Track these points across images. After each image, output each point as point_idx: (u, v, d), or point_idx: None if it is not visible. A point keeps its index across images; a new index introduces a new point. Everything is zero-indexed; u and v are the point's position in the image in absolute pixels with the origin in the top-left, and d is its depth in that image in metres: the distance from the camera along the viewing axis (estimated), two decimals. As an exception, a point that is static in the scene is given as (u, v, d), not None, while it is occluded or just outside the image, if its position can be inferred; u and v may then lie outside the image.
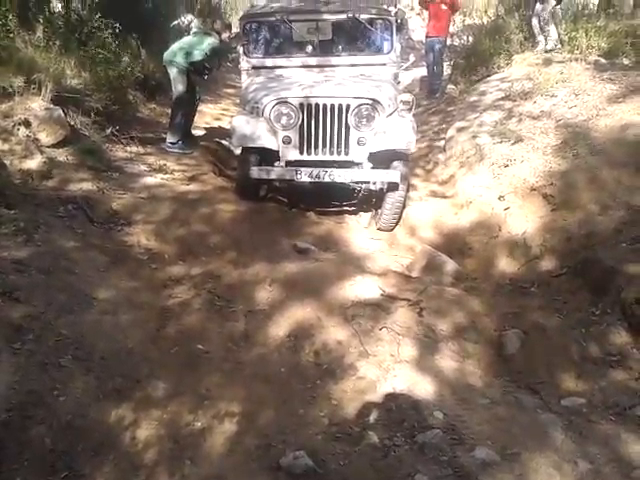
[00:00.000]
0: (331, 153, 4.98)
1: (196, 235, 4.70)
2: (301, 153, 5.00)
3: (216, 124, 8.43)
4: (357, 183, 5.12)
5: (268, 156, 5.09)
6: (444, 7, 9.15)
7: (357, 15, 5.58)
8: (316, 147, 4.97)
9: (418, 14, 15.26)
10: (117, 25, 6.95)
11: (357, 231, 5.42)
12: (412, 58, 6.11)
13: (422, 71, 10.19)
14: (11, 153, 4.85)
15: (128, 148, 6.18)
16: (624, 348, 3.32)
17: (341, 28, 5.76)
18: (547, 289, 4.10)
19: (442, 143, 6.70)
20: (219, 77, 11.13)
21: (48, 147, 5.20)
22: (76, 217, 4.44)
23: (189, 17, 7.55)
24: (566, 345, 3.40)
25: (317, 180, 4.93)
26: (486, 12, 11.19)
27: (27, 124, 5.11)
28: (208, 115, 8.89)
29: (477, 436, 2.62)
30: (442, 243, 5.05)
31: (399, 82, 6.01)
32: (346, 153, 4.97)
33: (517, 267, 4.50)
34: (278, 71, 5.73)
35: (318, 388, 3.03)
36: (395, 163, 5.02)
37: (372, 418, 2.79)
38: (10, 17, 5.70)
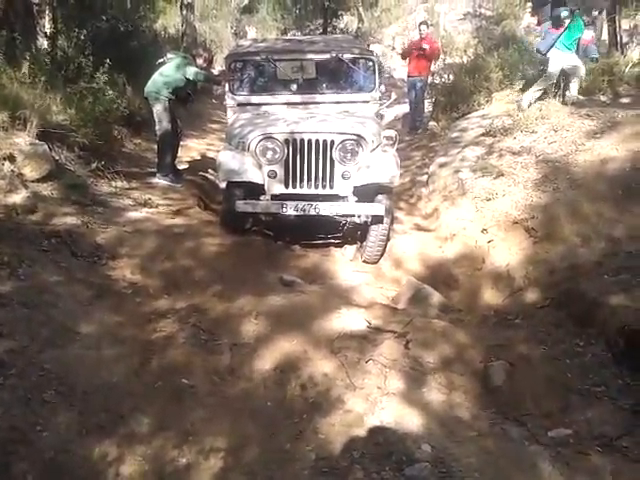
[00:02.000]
0: (316, 187, 5.03)
1: (181, 269, 4.68)
2: (286, 187, 5.05)
3: (201, 158, 8.48)
4: (342, 216, 5.19)
5: (254, 190, 5.11)
6: (425, 46, 9.44)
7: (340, 55, 5.74)
8: (301, 181, 5.03)
9: (399, 53, 15.69)
10: (106, 61, 7.02)
11: (342, 264, 5.45)
12: (394, 95, 6.24)
13: (404, 108, 10.42)
14: (-5, 188, 4.83)
15: (113, 183, 6.19)
16: (609, 379, 3.34)
17: (325, 67, 5.89)
18: (531, 320, 4.13)
19: (425, 177, 6.82)
20: (204, 112, 11.27)
21: (33, 182, 5.19)
22: (60, 251, 4.41)
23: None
24: (551, 376, 3.40)
25: (303, 213, 4.98)
26: (466, 52, 11.53)
27: (12, 159, 5.11)
28: (194, 150, 8.96)
29: (465, 469, 2.59)
30: (427, 275, 5.09)
31: (382, 118, 6.14)
32: (331, 187, 5.02)
33: (501, 299, 4.55)
34: (263, 108, 5.80)
35: (305, 422, 2.98)
36: (379, 197, 5.10)
37: (359, 452, 2.75)
38: (-4, 54, 5.78)
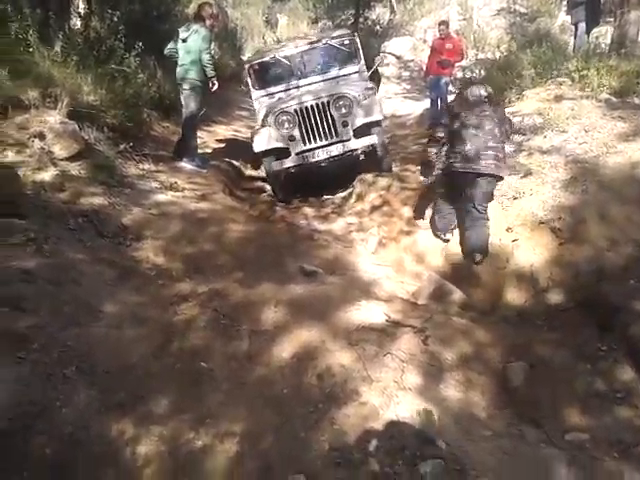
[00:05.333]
0: (326, 138, 6.67)
1: (204, 253, 4.72)
2: (304, 144, 6.66)
3: (228, 145, 8.51)
4: (347, 152, 6.73)
5: (282, 153, 6.69)
6: (448, 46, 9.33)
7: (329, 41, 7.56)
8: (314, 137, 6.66)
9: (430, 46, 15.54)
10: (138, 44, 7.06)
11: (364, 256, 5.44)
12: (377, 60, 8.35)
13: (423, 104, 10.36)
14: (25, 164, 4.89)
15: (140, 165, 6.25)
16: (629, 385, 3.30)
17: (319, 53, 7.66)
18: (553, 323, 4.09)
19: (452, 173, 6.73)
20: (232, 99, 11.29)
21: (62, 160, 5.25)
22: (86, 230, 4.48)
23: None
24: (571, 380, 3.38)
25: (320, 159, 6.67)
26: (498, 47, 11.34)
27: (42, 137, 5.17)
28: (220, 136, 8.99)
29: (479, 468, 2.59)
30: (449, 272, 5.05)
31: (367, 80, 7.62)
32: (336, 135, 6.65)
33: (524, 299, 4.49)
34: (279, 94, 7.40)
35: (320, 412, 2.99)
36: (372, 130, 6.74)
37: (374, 445, 2.76)
38: (30, 32, 5.82)
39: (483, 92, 5.18)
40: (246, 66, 7.66)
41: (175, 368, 3.21)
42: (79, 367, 2.97)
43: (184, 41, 6.65)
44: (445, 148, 5.22)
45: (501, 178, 5.07)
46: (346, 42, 7.59)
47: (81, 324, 3.30)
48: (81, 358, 3.03)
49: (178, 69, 6.69)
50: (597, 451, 2.84)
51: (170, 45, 6.86)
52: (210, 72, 6.68)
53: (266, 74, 7.60)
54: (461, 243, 5.22)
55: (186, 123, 6.83)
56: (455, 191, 5.19)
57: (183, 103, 6.78)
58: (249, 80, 7.54)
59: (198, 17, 6.79)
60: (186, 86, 6.65)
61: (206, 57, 6.56)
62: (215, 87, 6.94)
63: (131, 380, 3.02)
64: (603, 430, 3.04)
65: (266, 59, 7.58)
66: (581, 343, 3.73)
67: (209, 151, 7.89)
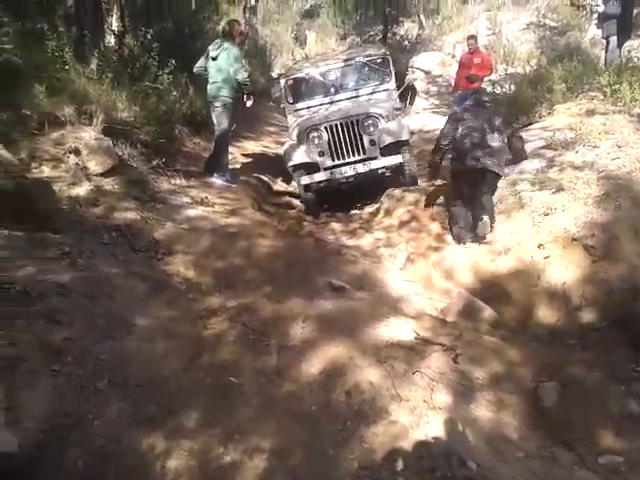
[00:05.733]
0: (353, 155, 6.90)
1: (233, 268, 4.76)
2: (333, 160, 6.90)
3: (257, 160, 8.61)
4: (374, 170, 6.90)
5: (311, 167, 6.93)
6: (476, 60, 9.31)
7: (362, 59, 7.83)
8: (342, 154, 6.89)
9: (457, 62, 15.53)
10: (171, 62, 7.21)
11: (392, 272, 5.42)
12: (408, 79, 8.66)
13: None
14: (60, 179, 5.02)
15: (172, 180, 6.36)
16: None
17: (351, 70, 7.88)
18: (586, 342, 4.01)
19: (481, 189, 6.69)
20: (262, 115, 11.43)
21: (96, 176, 5.38)
22: (119, 244, 4.56)
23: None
24: (605, 401, 3.30)
25: (347, 174, 6.86)
26: (528, 62, 11.26)
27: (77, 152, 5.32)
28: (250, 151, 9.10)
29: (511, 490, 2.55)
30: (478, 289, 4.99)
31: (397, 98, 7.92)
32: (363, 152, 6.88)
33: (556, 318, 4.41)
34: (312, 109, 7.62)
35: (349, 429, 2.98)
36: (399, 149, 6.88)
37: (402, 464, 2.73)
38: (66, 50, 6.01)
39: (484, 98, 6.22)
40: (282, 81, 7.95)
41: (205, 382, 3.24)
42: (111, 380, 3.01)
43: (214, 59, 6.76)
44: (450, 154, 5.91)
45: (499, 176, 5.71)
46: (379, 61, 7.81)
47: (114, 337, 3.36)
48: (114, 371, 3.08)
49: (209, 87, 6.80)
50: (632, 474, 2.78)
51: (199, 63, 6.97)
52: (248, 89, 6.84)
53: (300, 89, 7.85)
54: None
55: (218, 140, 6.93)
56: (463, 192, 5.77)
57: (215, 121, 6.89)
58: (284, 94, 7.81)
59: (227, 35, 6.92)
60: (218, 104, 6.76)
61: (243, 75, 6.68)
62: (250, 103, 7.07)
63: (162, 394, 3.05)
64: (638, 453, 2.96)
65: (301, 75, 7.86)
66: (615, 363, 3.65)
67: (238, 166, 7.99)
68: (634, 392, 3.38)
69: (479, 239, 5.47)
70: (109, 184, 5.42)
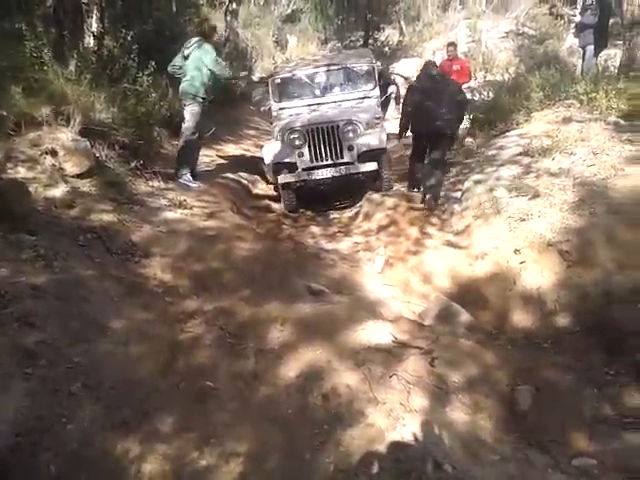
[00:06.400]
0: (331, 158, 7.06)
1: (211, 271, 4.73)
2: (311, 162, 7.07)
3: (236, 163, 8.58)
4: (348, 175, 7.09)
5: (290, 167, 7.12)
6: (455, 67, 9.43)
7: (346, 65, 8.04)
8: (320, 156, 7.06)
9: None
10: (151, 63, 7.15)
11: (371, 276, 5.44)
12: (390, 89, 8.27)
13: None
14: (36, 181, 4.96)
15: (150, 182, 6.31)
16: (638, 410, 3.26)
17: (337, 75, 8.07)
18: (561, 346, 4.06)
19: (459, 194, 6.75)
20: (242, 119, 11.40)
21: (72, 177, 5.32)
22: (95, 246, 4.51)
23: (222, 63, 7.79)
24: (579, 404, 3.34)
25: (323, 177, 7.05)
26: (507, 69, 11.41)
27: (54, 153, 5.25)
28: (229, 154, 9.06)
29: (486, 493, 2.56)
30: (456, 293, 5.03)
31: (379, 107, 8.05)
32: (341, 157, 7.06)
33: (531, 322, 4.46)
34: (296, 109, 7.78)
35: (325, 433, 2.97)
36: (376, 157, 7.05)
37: (379, 467, 2.74)
38: (45, 51, 5.92)
39: (434, 72, 7.08)
40: (269, 80, 8.21)
41: (180, 386, 3.21)
42: (85, 383, 2.99)
43: (186, 58, 6.75)
44: (411, 118, 7.00)
45: (452, 137, 7.12)
46: (365, 68, 8.01)
47: (88, 340, 3.33)
48: (87, 374, 3.05)
49: (182, 85, 6.77)
50: (604, 477, 2.80)
51: (174, 62, 6.94)
52: (227, 75, 7.09)
53: (286, 89, 8.04)
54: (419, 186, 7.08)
55: (184, 138, 6.86)
56: (421, 150, 7.09)
57: (185, 117, 6.84)
58: (270, 92, 8.02)
59: (199, 33, 6.93)
60: (188, 102, 6.71)
61: (217, 68, 6.66)
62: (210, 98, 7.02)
63: (136, 397, 3.02)
64: (611, 456, 2.99)
65: (289, 75, 8.09)
66: (588, 367, 3.70)
67: (217, 169, 7.94)
68: (607, 396, 3.42)
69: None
70: (86, 186, 5.37)
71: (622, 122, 6.95)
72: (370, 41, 19.46)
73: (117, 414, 2.87)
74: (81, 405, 2.85)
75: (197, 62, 6.65)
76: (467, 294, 4.97)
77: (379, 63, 8.25)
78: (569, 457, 3.00)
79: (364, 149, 7.02)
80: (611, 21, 11.08)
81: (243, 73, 13.54)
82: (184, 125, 6.84)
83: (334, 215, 7.36)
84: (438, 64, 10.39)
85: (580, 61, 10.50)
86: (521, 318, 4.55)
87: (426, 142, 6.93)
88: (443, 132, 6.72)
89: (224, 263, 4.89)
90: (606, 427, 3.20)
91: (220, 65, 6.77)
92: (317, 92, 7.96)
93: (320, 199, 7.65)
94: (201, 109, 6.78)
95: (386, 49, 19.76)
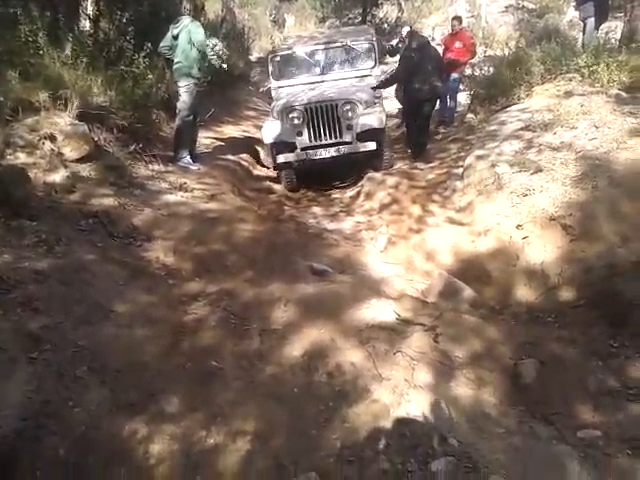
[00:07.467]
0: (330, 137, 7.10)
1: (213, 253, 4.74)
2: (310, 141, 7.11)
3: (236, 145, 8.53)
4: (347, 155, 7.10)
5: (289, 146, 7.11)
6: (458, 44, 9.30)
7: (349, 43, 7.96)
8: (319, 135, 7.09)
9: (438, 44, 15.50)
10: (147, 45, 7.07)
11: (373, 255, 5.44)
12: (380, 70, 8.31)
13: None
14: (35, 166, 4.94)
15: (150, 166, 6.28)
16: (642, 382, 3.27)
17: (336, 53, 8.05)
18: (565, 319, 4.06)
19: (460, 171, 6.71)
20: (241, 100, 11.32)
21: (72, 162, 5.29)
22: (97, 231, 4.51)
23: (214, 41, 7.70)
24: (583, 377, 3.34)
25: (322, 156, 7.06)
26: (507, 44, 11.27)
27: (52, 138, 5.22)
28: (229, 136, 9.01)
29: (492, 465, 2.57)
30: (459, 269, 5.03)
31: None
32: (340, 136, 7.09)
33: (534, 296, 4.47)
34: (295, 88, 7.73)
35: (331, 410, 2.99)
36: (375, 136, 7.06)
37: (385, 443, 2.75)
38: (40, 35, 5.86)
39: (421, 40, 7.72)
40: (269, 57, 8.18)
41: (186, 367, 3.22)
42: (90, 367, 2.99)
43: (175, 37, 6.64)
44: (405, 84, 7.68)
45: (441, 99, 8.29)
46: (365, 46, 7.99)
47: (92, 324, 3.33)
48: (92, 358, 3.05)
49: (174, 67, 6.69)
50: (609, 448, 2.81)
51: (163, 42, 6.81)
52: (216, 62, 6.73)
53: (286, 66, 8.05)
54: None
55: (179, 121, 6.79)
56: (415, 113, 7.79)
57: (180, 98, 6.75)
58: (269, 71, 8.05)
59: (189, 11, 6.85)
60: (181, 84, 6.63)
61: (207, 49, 6.56)
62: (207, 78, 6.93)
63: (142, 379, 3.03)
64: (615, 427, 3.00)
65: (288, 52, 8.05)
66: (592, 340, 3.70)
67: (217, 151, 7.90)
68: (612, 368, 3.43)
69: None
70: (85, 170, 5.35)
71: (624, 95, 6.87)
72: (368, 18, 19.24)
73: (123, 396, 2.88)
74: (87, 388, 2.86)
75: (187, 41, 6.53)
76: (470, 270, 4.97)
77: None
78: (574, 429, 3.00)
79: (363, 129, 7.00)
80: (612, -7, 10.92)
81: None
82: (179, 105, 6.75)
83: (336, 195, 7.34)
84: (440, 40, 10.31)
85: (581, 34, 10.33)
86: (524, 293, 4.55)
87: (418, 105, 7.68)
88: (435, 95, 7.76)
89: (226, 245, 4.89)
90: (611, 399, 3.21)
91: (208, 48, 6.62)
92: (316, 70, 7.98)
93: (321, 179, 7.64)
94: (196, 88, 6.69)
95: (385, 25, 19.56)
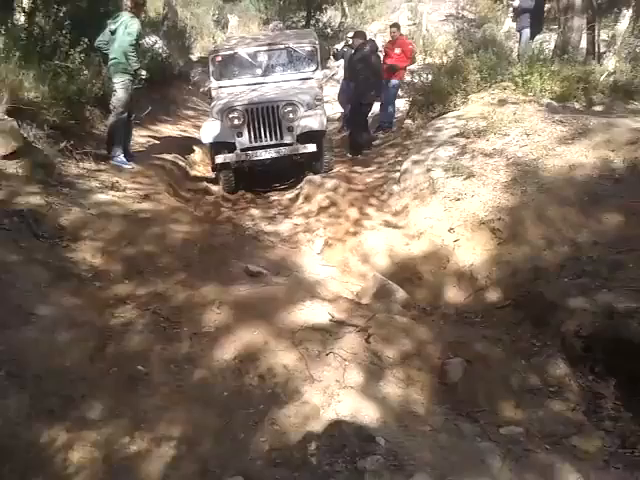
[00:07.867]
0: (271, 139, 7.07)
1: (145, 254, 4.61)
2: (250, 142, 7.05)
3: (173, 144, 8.38)
4: (287, 156, 7.13)
5: (228, 147, 7.03)
6: (397, 51, 9.48)
7: (291, 46, 7.99)
8: (260, 136, 7.05)
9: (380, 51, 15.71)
10: (84, 40, 6.84)
11: (310, 257, 5.45)
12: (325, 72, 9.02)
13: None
14: (-42, 162, 4.70)
15: (81, 164, 6.07)
16: (562, 379, 3.41)
17: (279, 55, 8.04)
18: (491, 320, 4.19)
19: (397, 175, 6.83)
20: (179, 99, 11.13)
21: (-2, 158, 5.06)
22: (21, 231, 4.31)
23: (154, 38, 7.56)
24: (506, 375, 3.46)
25: (262, 157, 7.03)
26: (446, 52, 11.55)
27: (-22, 134, 4.97)
28: (166, 135, 8.84)
29: (417, 462, 2.62)
30: (393, 272, 5.11)
31: (321, 87, 8.33)
32: (281, 137, 7.07)
33: (463, 298, 4.59)
34: (236, 89, 7.64)
35: (261, 413, 2.97)
36: (315, 138, 7.07)
37: (314, 444, 2.75)
38: (-30, 27, 5.58)
39: (360, 40, 8.28)
40: (210, 56, 8.06)
41: (111, 372, 3.13)
42: (9, 371, 2.88)
43: (113, 33, 6.48)
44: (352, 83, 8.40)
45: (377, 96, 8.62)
46: (308, 49, 8.00)
47: (13, 327, 3.20)
48: (11, 362, 2.93)
49: (109, 63, 6.52)
50: (530, 444, 2.91)
51: (100, 37, 6.64)
52: (134, 64, 6.44)
53: (227, 67, 7.95)
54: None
55: (115, 114, 6.59)
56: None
57: (115, 93, 6.56)
58: (210, 71, 7.93)
59: (127, 7, 6.70)
60: (116, 77, 6.46)
61: (129, 48, 6.33)
62: (143, 75, 6.67)
63: (64, 385, 2.93)
64: (536, 423, 3.12)
65: (230, 52, 7.96)
66: (516, 339, 3.84)
67: (153, 150, 7.73)
68: (534, 366, 3.55)
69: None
70: (12, 167, 5.11)
71: (555, 104, 7.18)
72: (312, 22, 19.33)
73: (43, 403, 2.77)
74: (5, 394, 2.74)
75: (123, 37, 6.37)
76: (404, 272, 5.06)
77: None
78: (497, 426, 3.10)
79: (304, 130, 7.01)
80: (547, 5, 11.39)
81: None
82: (114, 101, 6.55)
83: (274, 197, 7.32)
84: (381, 47, 10.44)
85: (517, 44, 10.74)
86: (454, 294, 4.68)
87: (359, 106, 8.34)
88: (375, 96, 8.48)
89: (159, 247, 4.77)
90: (533, 396, 3.33)
91: (129, 50, 6.37)
92: (258, 72, 7.91)
93: (260, 181, 7.61)
94: (132, 85, 6.54)
95: (328, 30, 19.69)
